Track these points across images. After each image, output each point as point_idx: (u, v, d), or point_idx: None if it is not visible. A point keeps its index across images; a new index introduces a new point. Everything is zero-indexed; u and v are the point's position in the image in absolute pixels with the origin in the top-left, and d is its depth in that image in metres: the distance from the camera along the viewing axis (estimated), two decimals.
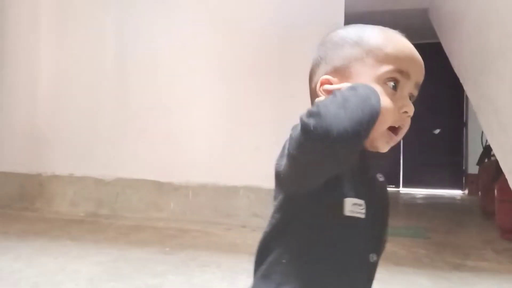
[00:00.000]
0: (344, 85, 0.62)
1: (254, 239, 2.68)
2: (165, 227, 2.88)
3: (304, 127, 0.53)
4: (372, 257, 0.65)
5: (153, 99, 3.21)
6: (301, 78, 3.07)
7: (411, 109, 0.65)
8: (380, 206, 0.68)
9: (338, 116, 0.51)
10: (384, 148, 0.66)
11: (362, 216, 0.62)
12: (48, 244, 2.41)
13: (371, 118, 0.53)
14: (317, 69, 0.72)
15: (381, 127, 0.63)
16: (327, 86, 0.67)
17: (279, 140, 2.86)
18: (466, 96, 4.80)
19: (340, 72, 0.67)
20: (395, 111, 0.63)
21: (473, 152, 5.36)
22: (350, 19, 4.11)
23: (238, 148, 3.05)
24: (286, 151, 0.60)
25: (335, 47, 0.69)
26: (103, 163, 3.29)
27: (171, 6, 3.20)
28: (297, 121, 0.56)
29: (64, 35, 3.43)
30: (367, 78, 0.64)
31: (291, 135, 0.58)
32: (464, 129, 5.95)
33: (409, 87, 0.65)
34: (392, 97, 0.63)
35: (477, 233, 3.04)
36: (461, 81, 3.04)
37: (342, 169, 0.59)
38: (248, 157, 3.03)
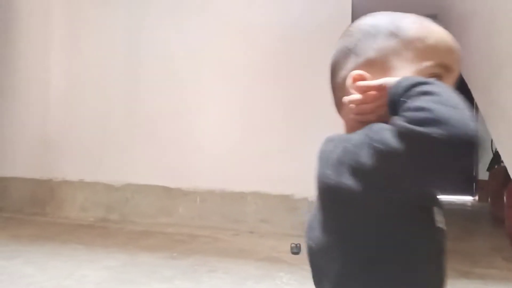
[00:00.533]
0: (385, 80, 0.54)
1: (262, 245, 2.70)
2: (174, 232, 2.90)
3: (423, 139, 0.42)
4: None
5: (162, 104, 3.24)
6: (310, 84, 3.08)
7: None
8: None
9: (462, 119, 0.42)
10: None
11: (444, 227, 0.55)
12: (58, 249, 2.44)
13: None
14: (344, 61, 0.62)
15: None
16: (361, 83, 0.57)
17: (288, 146, 2.90)
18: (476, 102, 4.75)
19: (375, 66, 0.59)
20: None
21: (483, 158, 5.30)
22: None
23: (247, 154, 3.07)
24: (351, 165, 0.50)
25: (367, 37, 0.61)
26: (113, 169, 3.32)
27: (183, 12, 3.24)
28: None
29: (75, 41, 3.50)
30: (407, 73, 0.56)
31: (375, 147, 0.47)
32: None
33: (451, 81, 0.59)
34: None
35: (487, 240, 3.01)
36: (470, 87, 3.03)
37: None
38: (256, 163, 3.04)
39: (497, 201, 3.32)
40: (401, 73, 0.56)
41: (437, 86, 0.47)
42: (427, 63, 0.57)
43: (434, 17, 3.79)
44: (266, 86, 3.04)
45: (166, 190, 3.17)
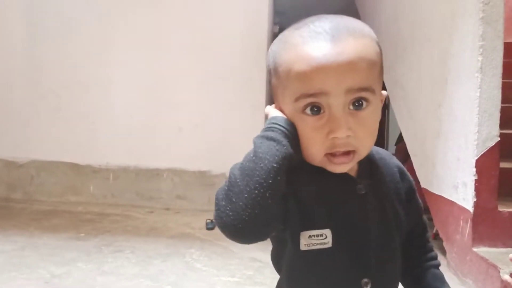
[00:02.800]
0: (271, 113, 0.60)
1: (175, 222, 2.67)
2: (83, 211, 2.77)
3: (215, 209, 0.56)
4: (366, 282, 0.59)
5: (67, 75, 3.01)
6: (225, 61, 3.05)
7: (341, 132, 0.54)
8: (360, 226, 0.60)
9: (226, 212, 0.53)
10: (337, 169, 0.58)
11: (326, 245, 0.57)
12: None
13: (263, 190, 0.52)
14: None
15: (314, 158, 0.58)
16: (266, 111, 0.62)
17: (203, 121, 2.86)
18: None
19: (275, 99, 0.62)
20: (321, 139, 0.55)
21: (394, 132, 5.66)
22: (280, 3, 4.12)
23: (161, 130, 2.98)
24: None
25: (266, 68, 0.64)
26: (15, 144, 3.06)
27: None
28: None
29: None
30: (287, 109, 0.58)
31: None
32: (386, 111, 6.28)
33: (338, 101, 0.54)
34: (318, 121, 0.55)
35: None
36: None
37: (272, 214, 0.55)
38: (171, 139, 2.97)
39: None
40: (285, 110, 0.58)
41: (246, 160, 0.55)
42: (294, 95, 0.56)
43: None
44: (180, 59, 2.95)
45: (75, 167, 3.00)
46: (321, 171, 0.59)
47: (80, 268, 1.81)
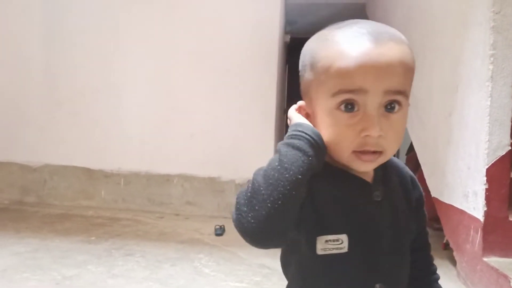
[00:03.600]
0: (292, 116, 0.63)
1: (185, 227, 2.69)
2: (94, 215, 2.80)
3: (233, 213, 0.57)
4: (379, 287, 0.60)
5: (83, 82, 3.07)
6: (236, 69, 3.08)
7: (374, 131, 0.55)
8: (375, 232, 0.61)
9: (248, 219, 0.54)
10: (363, 167, 0.59)
11: (342, 250, 0.58)
12: None
13: (286, 201, 0.53)
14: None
15: (340, 154, 0.59)
16: (289, 112, 0.65)
17: (214, 128, 2.88)
18: None
19: (305, 96, 0.64)
20: (353, 136, 0.57)
21: (405, 142, 5.63)
22: (292, 9, 4.16)
23: (172, 136, 3.02)
24: None
25: (300, 68, 0.64)
26: (30, 149, 3.12)
27: None
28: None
29: None
30: (320, 105, 0.59)
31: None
32: None
33: (374, 101, 0.56)
34: (350, 119, 0.56)
35: None
36: None
37: (289, 221, 0.56)
38: (183, 145, 3.01)
39: None
40: (318, 106, 0.60)
41: (270, 167, 0.56)
42: (331, 90, 0.57)
43: (363, 5, 3.92)
44: (192, 66, 2.99)
45: (87, 171, 3.04)
46: (338, 176, 0.61)
47: (90, 271, 1.83)
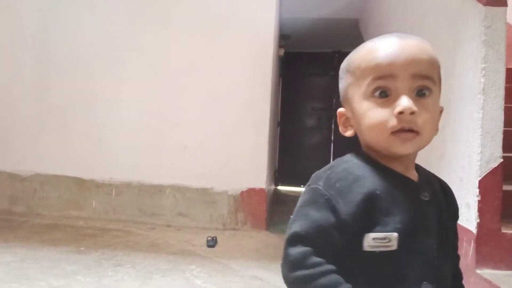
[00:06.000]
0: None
1: (176, 238, 2.65)
2: (85, 226, 2.76)
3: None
4: (426, 286, 0.61)
5: (75, 92, 3.06)
6: (230, 81, 3.09)
7: (406, 106, 0.59)
8: (423, 231, 0.62)
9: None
10: (402, 148, 0.62)
11: (390, 248, 0.59)
12: None
13: None
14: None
15: (379, 138, 0.62)
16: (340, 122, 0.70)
17: (208, 140, 2.87)
18: None
19: (345, 102, 0.69)
20: (388, 116, 0.61)
21: None
22: (286, 23, 4.21)
23: (165, 146, 3.00)
24: None
25: (339, 80, 0.71)
26: (20, 157, 3.09)
27: None
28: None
29: None
30: (357, 99, 0.64)
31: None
32: None
33: (404, 85, 0.61)
34: (385, 104, 0.61)
35: None
36: None
37: None
38: (175, 156, 2.99)
39: None
40: (355, 101, 0.65)
41: None
42: (365, 83, 0.63)
43: (356, 21, 3.98)
44: (186, 78, 3.00)
45: (78, 181, 3.00)
46: (387, 174, 0.63)
47: (79, 281, 1.79)
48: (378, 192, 0.61)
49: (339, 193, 0.61)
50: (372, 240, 0.59)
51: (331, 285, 0.56)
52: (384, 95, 0.62)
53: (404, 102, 0.60)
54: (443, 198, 0.68)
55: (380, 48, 0.63)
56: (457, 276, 0.74)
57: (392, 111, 0.60)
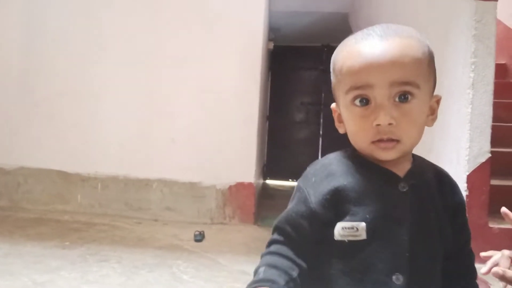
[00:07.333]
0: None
1: (163, 233, 2.62)
2: (70, 220, 2.71)
3: None
4: (398, 278, 0.60)
5: (61, 84, 2.99)
6: (219, 74, 3.06)
7: (383, 119, 0.59)
8: (395, 222, 0.62)
9: None
10: (383, 155, 0.62)
11: (359, 238, 0.60)
12: None
13: None
14: None
15: (361, 145, 0.63)
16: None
17: (196, 133, 2.84)
18: None
19: (335, 98, 0.69)
20: (367, 127, 0.60)
21: None
22: (276, 16, 4.18)
23: (153, 140, 2.96)
24: None
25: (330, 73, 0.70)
26: (3, 150, 3.01)
27: None
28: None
29: None
30: (342, 102, 0.64)
31: None
32: None
33: (383, 93, 0.59)
34: (366, 111, 0.60)
35: None
36: None
37: None
38: (163, 149, 2.95)
39: None
40: (340, 104, 0.65)
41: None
42: (344, 90, 0.62)
43: (346, 15, 3.96)
44: (175, 71, 2.95)
45: (63, 175, 2.95)
46: (367, 168, 0.64)
47: (63, 277, 1.76)
48: (346, 184, 0.62)
49: (312, 186, 0.64)
50: (341, 229, 0.60)
51: (261, 262, 0.62)
52: (364, 103, 0.61)
53: (381, 116, 0.59)
54: (435, 189, 0.67)
55: (360, 53, 0.60)
56: (466, 274, 0.71)
57: (370, 120, 0.60)
